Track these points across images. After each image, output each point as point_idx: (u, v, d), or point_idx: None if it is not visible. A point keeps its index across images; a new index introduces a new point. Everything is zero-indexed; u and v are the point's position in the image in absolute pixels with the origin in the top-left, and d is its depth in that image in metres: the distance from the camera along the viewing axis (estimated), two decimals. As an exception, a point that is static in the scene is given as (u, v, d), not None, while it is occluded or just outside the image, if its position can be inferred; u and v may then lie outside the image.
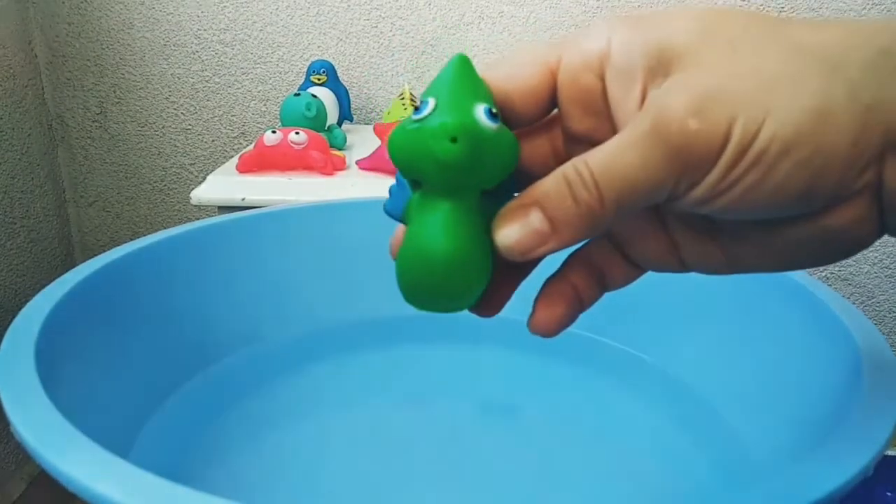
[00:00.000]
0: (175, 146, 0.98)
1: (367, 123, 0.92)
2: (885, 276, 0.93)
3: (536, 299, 0.23)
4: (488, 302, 0.23)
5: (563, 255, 0.23)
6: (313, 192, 0.66)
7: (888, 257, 0.92)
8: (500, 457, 0.39)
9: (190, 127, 0.97)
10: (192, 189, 0.67)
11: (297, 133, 0.69)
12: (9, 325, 0.33)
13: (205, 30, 0.92)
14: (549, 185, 0.20)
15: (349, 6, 0.90)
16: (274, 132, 0.69)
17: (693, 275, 0.24)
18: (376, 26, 0.90)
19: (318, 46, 0.92)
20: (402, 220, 0.22)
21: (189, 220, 0.47)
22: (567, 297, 0.23)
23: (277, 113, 0.94)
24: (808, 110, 0.17)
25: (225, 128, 0.97)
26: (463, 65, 0.21)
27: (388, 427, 0.41)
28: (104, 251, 0.41)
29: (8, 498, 0.87)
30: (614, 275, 0.23)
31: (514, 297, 0.24)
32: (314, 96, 0.75)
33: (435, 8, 0.89)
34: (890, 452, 0.54)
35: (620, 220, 0.20)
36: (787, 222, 0.19)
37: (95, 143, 1.00)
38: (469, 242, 0.20)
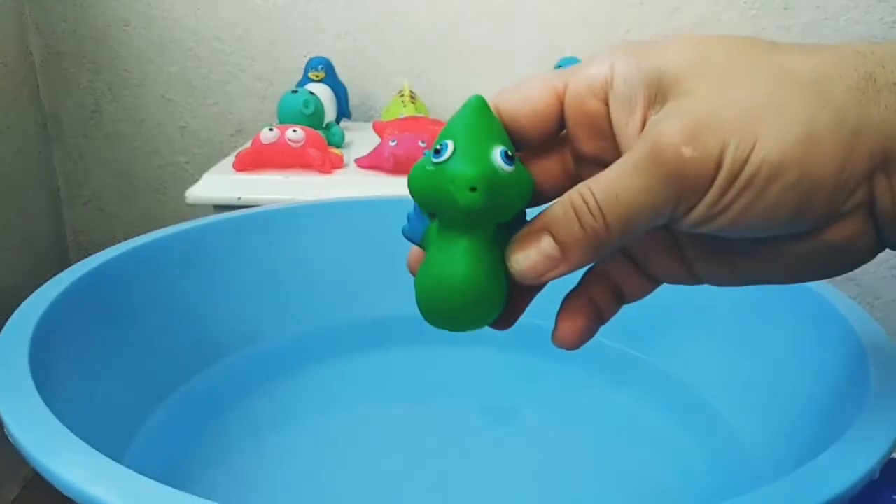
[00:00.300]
0: (171, 144, 0.98)
1: (366, 121, 0.91)
2: (892, 277, 0.92)
3: (558, 314, 0.24)
4: (504, 318, 0.24)
5: (581, 270, 0.23)
6: (311, 190, 0.65)
7: (895, 257, 0.92)
8: (500, 457, 0.39)
9: (186, 125, 0.97)
10: (188, 188, 0.66)
11: (294, 131, 0.68)
12: (3, 325, 0.32)
13: (201, 26, 0.92)
14: (558, 211, 0.21)
15: (348, 2, 0.89)
16: (271, 130, 0.69)
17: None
18: (375, 23, 0.90)
19: (316, 43, 0.91)
20: (420, 245, 0.23)
21: (185, 219, 0.47)
22: (587, 311, 0.24)
23: (275, 110, 0.93)
24: (795, 137, 0.18)
25: (221, 125, 0.96)
26: (480, 107, 0.22)
27: (388, 427, 0.41)
28: (99, 250, 0.41)
29: (3, 501, 0.86)
30: (631, 288, 0.24)
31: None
32: (312, 93, 0.74)
33: (435, 5, 0.88)
34: None
35: (628, 242, 0.21)
36: (791, 238, 0.20)
37: (90, 142, 0.99)
38: (486, 272, 0.22)
